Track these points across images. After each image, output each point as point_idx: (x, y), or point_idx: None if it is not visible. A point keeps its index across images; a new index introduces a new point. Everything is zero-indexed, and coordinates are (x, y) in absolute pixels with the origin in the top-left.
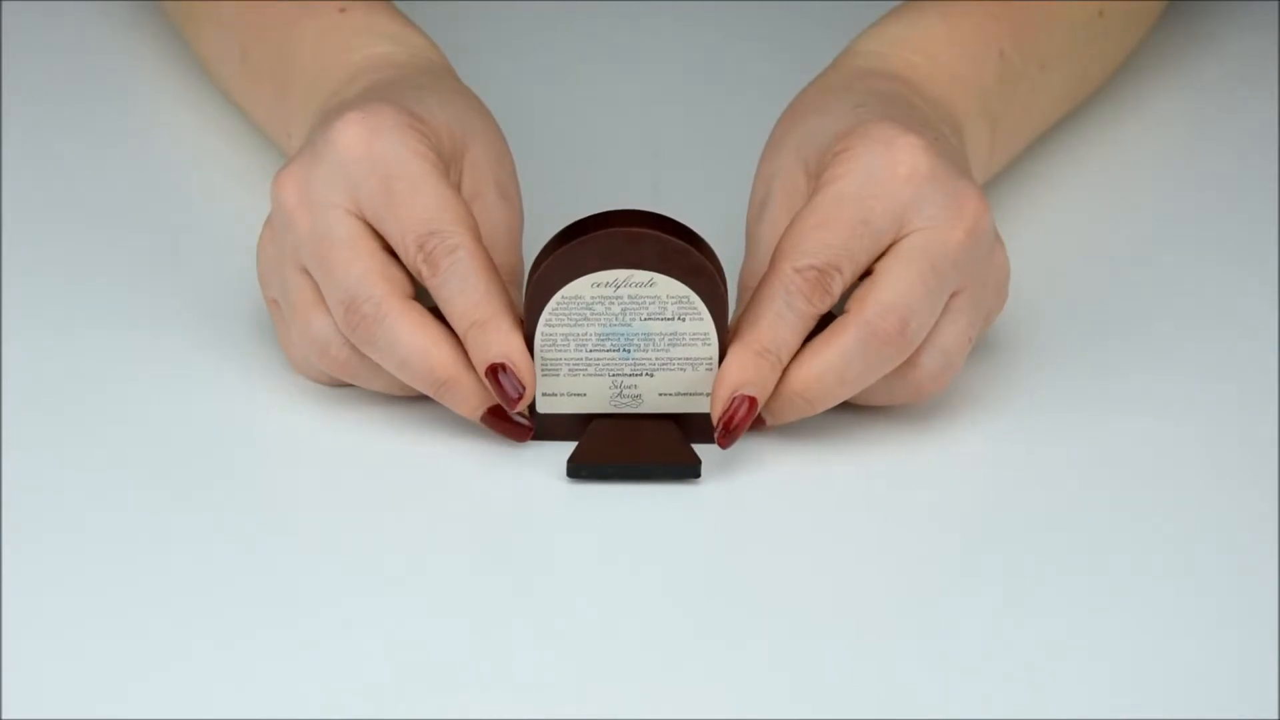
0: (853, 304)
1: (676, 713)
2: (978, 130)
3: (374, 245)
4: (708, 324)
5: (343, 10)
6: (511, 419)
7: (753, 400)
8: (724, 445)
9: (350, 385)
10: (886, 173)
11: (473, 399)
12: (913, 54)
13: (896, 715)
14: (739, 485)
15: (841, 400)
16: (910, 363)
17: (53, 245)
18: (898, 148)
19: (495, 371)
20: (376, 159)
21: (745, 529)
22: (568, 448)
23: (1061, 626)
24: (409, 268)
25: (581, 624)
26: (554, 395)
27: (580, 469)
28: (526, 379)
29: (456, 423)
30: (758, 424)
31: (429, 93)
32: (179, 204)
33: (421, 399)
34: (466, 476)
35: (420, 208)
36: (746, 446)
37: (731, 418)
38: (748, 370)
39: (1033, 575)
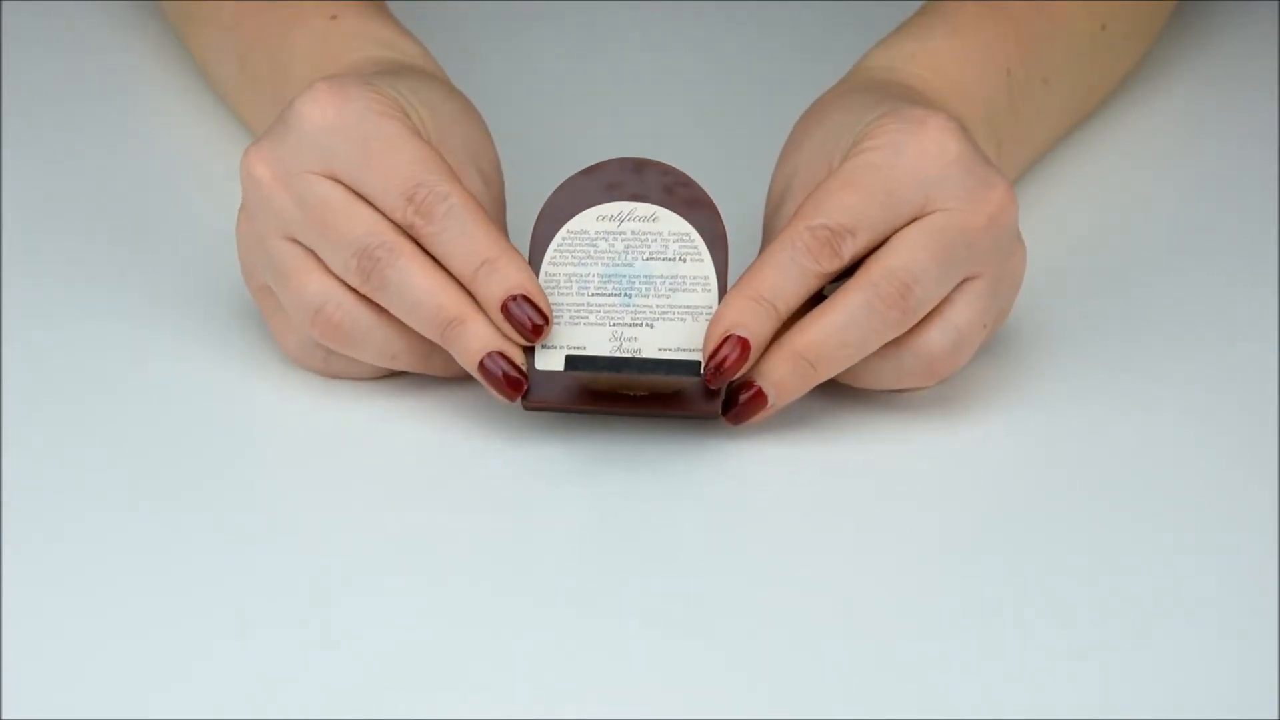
0: (860, 268)
1: (677, 712)
2: (984, 146)
3: (368, 203)
4: (708, 266)
5: (334, 17)
6: (508, 371)
7: (745, 344)
8: (713, 384)
9: (345, 380)
10: (916, 148)
11: (478, 340)
12: (922, 70)
13: (897, 715)
14: (741, 480)
15: (844, 366)
16: (921, 337)
17: (52, 243)
18: (930, 126)
19: (508, 305)
20: (348, 125)
21: (747, 524)
22: (566, 443)
23: (1063, 625)
24: (400, 223)
25: (580, 622)
26: (553, 348)
27: (577, 360)
28: (544, 306)
29: (455, 417)
30: (760, 404)
31: (404, 80)
32: (178, 203)
33: (420, 390)
34: (465, 470)
35: (402, 163)
36: (750, 439)
37: (724, 359)
38: (742, 312)
39: (1035, 573)
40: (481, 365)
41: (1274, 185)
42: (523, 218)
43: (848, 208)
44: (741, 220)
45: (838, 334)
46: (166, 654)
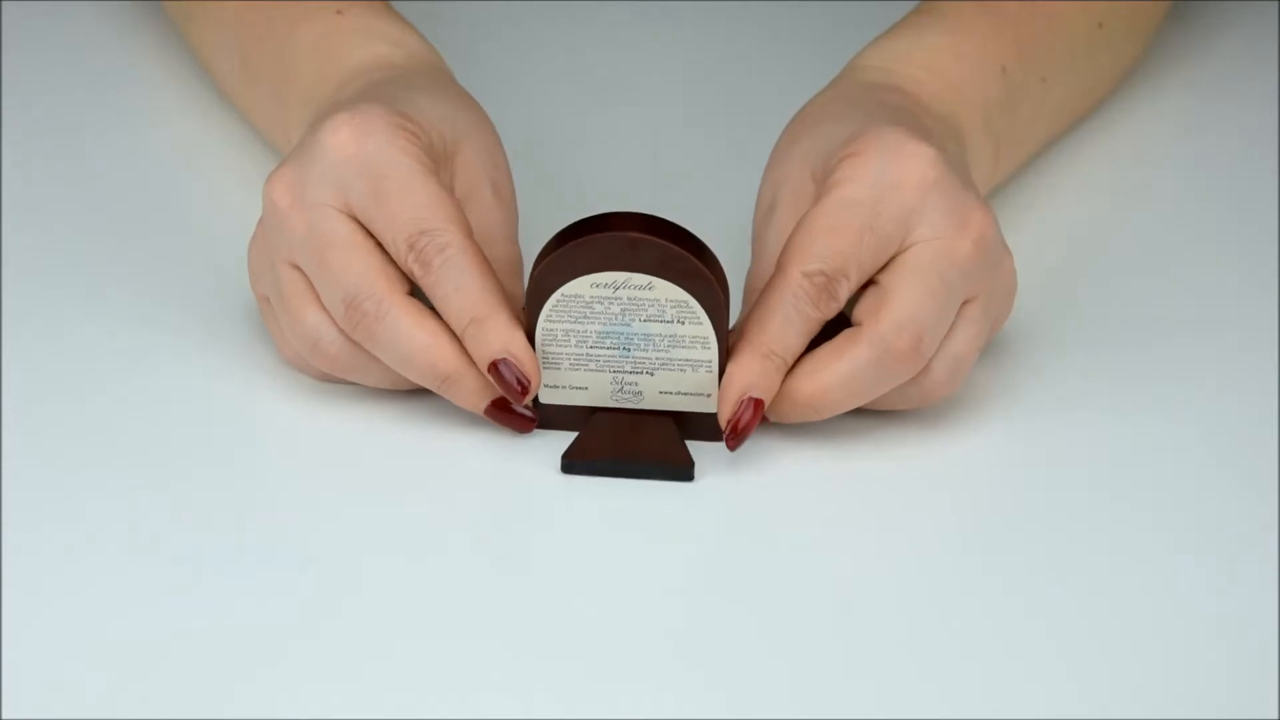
0: (865, 318)
1: (676, 712)
2: (981, 146)
3: (371, 244)
4: (707, 328)
5: (340, 12)
6: (515, 411)
7: (759, 402)
8: (732, 448)
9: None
10: (896, 179)
11: (476, 393)
12: (917, 69)
13: (897, 715)
14: (740, 484)
15: (848, 409)
16: (922, 370)
17: (52, 244)
18: (907, 155)
19: (497, 366)
20: (366, 159)
21: (746, 528)
22: (568, 439)
23: (1063, 627)
24: (402, 267)
25: (579, 622)
26: (556, 387)
27: (574, 465)
28: (530, 371)
29: (455, 416)
30: (759, 422)
31: (420, 92)
32: (178, 203)
33: (417, 391)
34: (465, 471)
35: (410, 207)
36: (750, 442)
37: (739, 420)
38: (755, 374)
39: (1035, 576)
40: (487, 412)
41: (1273, 185)
42: (522, 221)
43: (838, 251)
44: (740, 221)
45: (844, 385)
46: (163, 652)
